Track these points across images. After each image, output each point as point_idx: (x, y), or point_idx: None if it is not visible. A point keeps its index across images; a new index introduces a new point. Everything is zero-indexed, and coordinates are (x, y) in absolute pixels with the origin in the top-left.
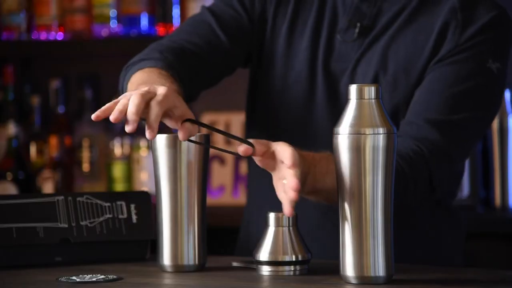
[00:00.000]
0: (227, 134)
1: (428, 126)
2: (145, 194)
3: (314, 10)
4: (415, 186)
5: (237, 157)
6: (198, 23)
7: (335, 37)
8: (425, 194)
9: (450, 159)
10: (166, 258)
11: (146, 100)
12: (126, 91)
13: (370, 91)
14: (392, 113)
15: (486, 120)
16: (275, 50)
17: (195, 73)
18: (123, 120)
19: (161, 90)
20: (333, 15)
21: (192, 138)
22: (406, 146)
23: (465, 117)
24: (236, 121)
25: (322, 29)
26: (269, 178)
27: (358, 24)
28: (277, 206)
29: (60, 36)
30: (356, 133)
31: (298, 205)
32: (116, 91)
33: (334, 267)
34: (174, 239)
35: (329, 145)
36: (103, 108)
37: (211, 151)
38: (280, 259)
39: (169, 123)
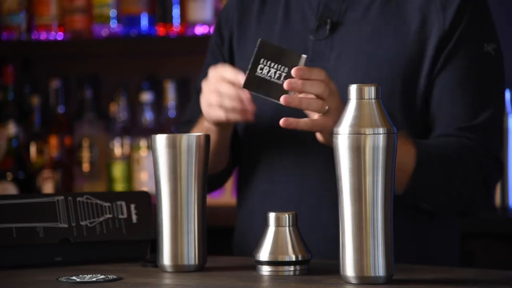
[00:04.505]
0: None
1: (463, 133)
2: (145, 194)
3: (280, 17)
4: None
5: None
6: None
7: (307, 39)
8: (478, 186)
9: (497, 159)
10: (166, 258)
11: None
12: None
13: (370, 91)
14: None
15: (501, 101)
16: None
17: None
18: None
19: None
20: (301, 18)
21: (193, 138)
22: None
23: (490, 113)
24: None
25: (290, 33)
26: (259, 180)
27: (329, 21)
28: (269, 208)
29: (60, 36)
30: (356, 133)
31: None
32: (116, 91)
33: (334, 267)
34: (174, 239)
35: (318, 145)
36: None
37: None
38: (280, 259)
39: None
